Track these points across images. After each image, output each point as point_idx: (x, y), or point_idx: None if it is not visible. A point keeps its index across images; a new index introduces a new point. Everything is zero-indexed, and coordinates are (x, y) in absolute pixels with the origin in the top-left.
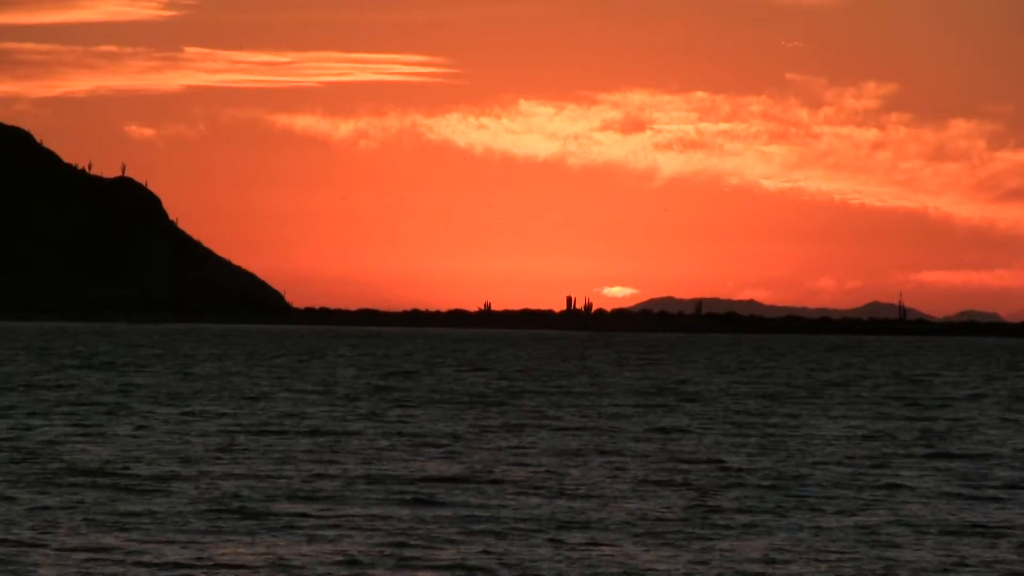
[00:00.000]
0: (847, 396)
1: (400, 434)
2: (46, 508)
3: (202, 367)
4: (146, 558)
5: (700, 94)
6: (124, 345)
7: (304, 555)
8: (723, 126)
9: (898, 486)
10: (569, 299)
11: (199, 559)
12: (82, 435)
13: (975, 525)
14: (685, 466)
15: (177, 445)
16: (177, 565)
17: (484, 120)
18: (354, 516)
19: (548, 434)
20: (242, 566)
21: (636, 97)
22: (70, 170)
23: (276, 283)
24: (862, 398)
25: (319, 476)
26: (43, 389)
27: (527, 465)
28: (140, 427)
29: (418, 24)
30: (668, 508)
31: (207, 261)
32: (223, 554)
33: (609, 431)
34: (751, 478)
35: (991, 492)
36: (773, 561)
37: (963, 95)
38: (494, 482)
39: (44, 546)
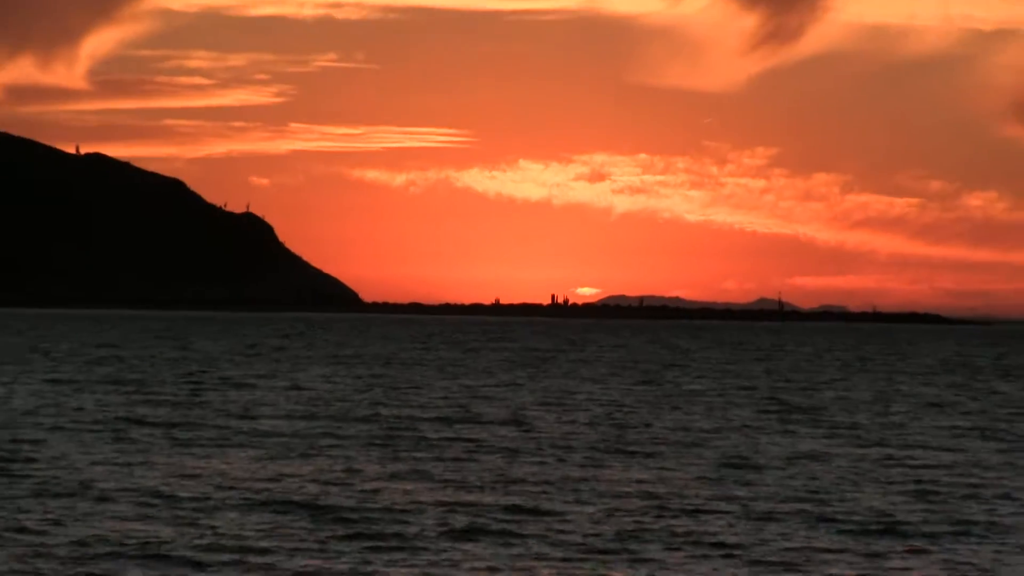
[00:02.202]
0: (729, 359)
1: None
2: None
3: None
4: None
5: (643, 156)
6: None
7: None
8: (659, 177)
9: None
10: (553, 296)
11: None
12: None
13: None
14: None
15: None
16: None
17: (494, 173)
18: None
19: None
20: None
21: (599, 158)
22: (211, 208)
23: (351, 284)
24: (741, 365)
25: None
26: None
27: None
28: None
29: (449, 106)
30: None
31: (305, 270)
32: None
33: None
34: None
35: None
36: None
37: (824, 156)
38: None
39: None
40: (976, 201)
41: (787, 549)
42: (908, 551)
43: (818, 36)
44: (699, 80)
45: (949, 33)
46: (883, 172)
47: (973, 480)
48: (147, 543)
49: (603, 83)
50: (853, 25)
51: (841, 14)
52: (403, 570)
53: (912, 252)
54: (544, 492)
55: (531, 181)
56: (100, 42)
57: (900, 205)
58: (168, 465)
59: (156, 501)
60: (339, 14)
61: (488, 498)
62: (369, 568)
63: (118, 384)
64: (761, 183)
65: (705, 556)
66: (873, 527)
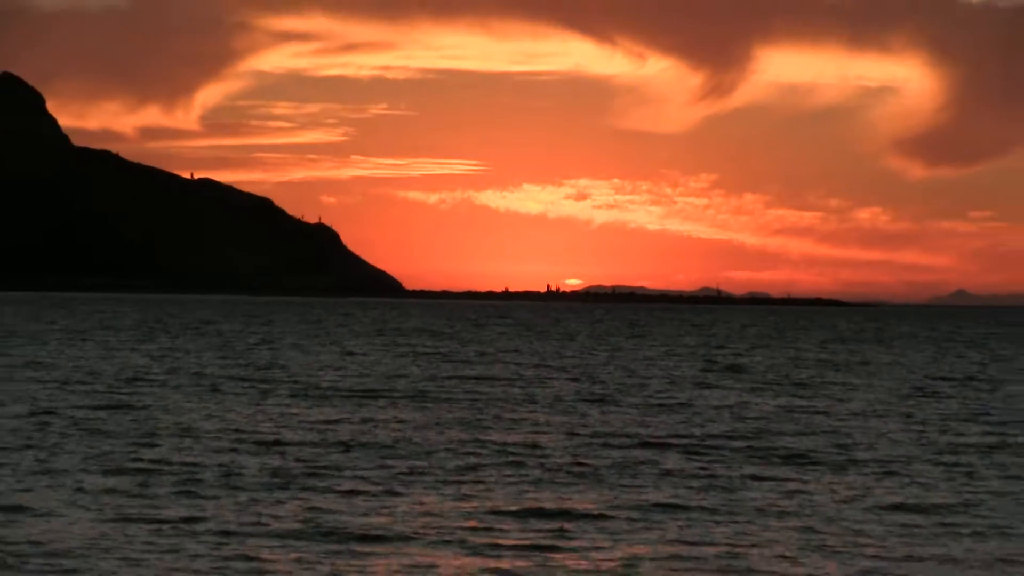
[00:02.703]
0: (677, 331)
1: None
2: None
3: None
4: None
5: (616, 180)
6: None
7: None
8: (628, 197)
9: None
10: (548, 285)
11: None
12: None
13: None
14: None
15: None
16: None
17: (504, 193)
18: None
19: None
20: None
21: (583, 182)
22: (292, 219)
23: (397, 275)
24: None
25: None
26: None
27: None
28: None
29: (471, 143)
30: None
31: (362, 265)
32: None
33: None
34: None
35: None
36: None
37: (751, 181)
38: None
39: None
40: (865, 215)
41: (718, 475)
42: (811, 476)
43: (747, 91)
44: (658, 124)
45: (845, 89)
46: (795, 193)
47: (863, 422)
48: (230, 473)
49: (586, 126)
50: (772, 83)
51: (764, 75)
52: (429, 491)
53: (818, 253)
54: (533, 430)
55: (532, 199)
56: (209, 95)
57: (808, 217)
58: (251, 411)
59: (242, 438)
60: (388, 75)
61: (492, 436)
62: (401, 487)
63: (217, 350)
64: (704, 201)
65: (654, 482)
66: (783, 458)
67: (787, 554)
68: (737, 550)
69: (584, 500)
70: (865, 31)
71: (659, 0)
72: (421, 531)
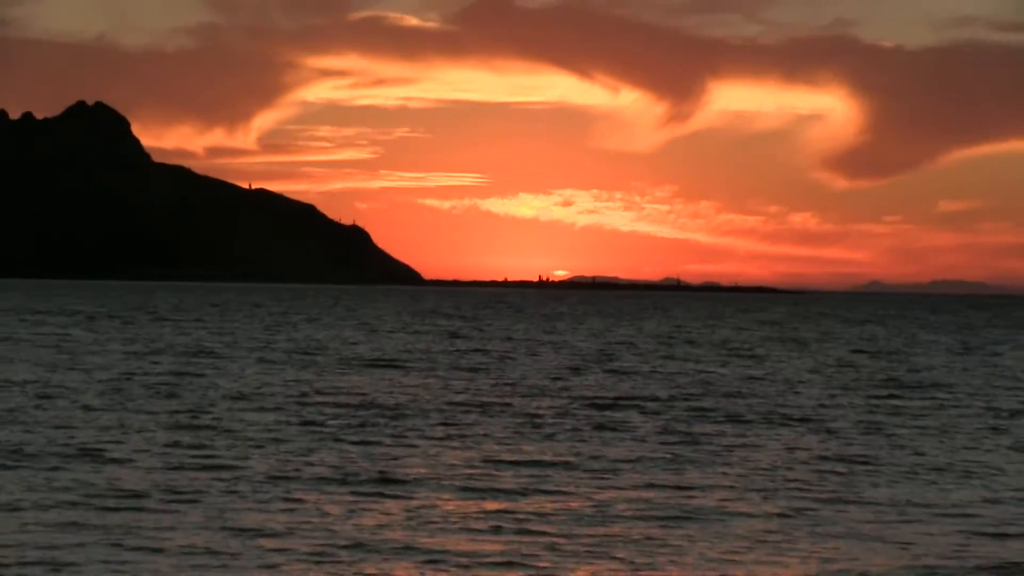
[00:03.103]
0: (639, 314)
1: None
2: None
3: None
4: None
5: (595, 190)
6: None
7: None
8: (605, 204)
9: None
10: (539, 276)
11: None
12: None
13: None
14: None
15: None
16: None
17: (503, 201)
18: None
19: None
20: None
21: (568, 191)
22: (332, 222)
23: (417, 267)
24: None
25: None
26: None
27: None
28: None
29: (477, 160)
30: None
31: (388, 260)
32: None
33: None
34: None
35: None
36: None
37: (705, 190)
38: None
39: None
40: (797, 219)
41: (674, 431)
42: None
43: (701, 118)
44: (629, 145)
45: (781, 116)
46: (741, 201)
47: (795, 387)
48: (272, 429)
49: (570, 146)
50: (722, 111)
51: (715, 105)
52: (436, 443)
53: (759, 250)
54: (525, 393)
55: (526, 206)
56: (264, 120)
57: (751, 221)
58: (292, 378)
59: (285, 399)
60: (410, 104)
61: (489, 398)
62: (413, 440)
63: (269, 329)
64: (667, 207)
65: (621, 437)
66: (729, 416)
67: (730, 497)
68: (690, 493)
69: (564, 452)
70: (797, 69)
71: (629, 42)
72: (428, 477)
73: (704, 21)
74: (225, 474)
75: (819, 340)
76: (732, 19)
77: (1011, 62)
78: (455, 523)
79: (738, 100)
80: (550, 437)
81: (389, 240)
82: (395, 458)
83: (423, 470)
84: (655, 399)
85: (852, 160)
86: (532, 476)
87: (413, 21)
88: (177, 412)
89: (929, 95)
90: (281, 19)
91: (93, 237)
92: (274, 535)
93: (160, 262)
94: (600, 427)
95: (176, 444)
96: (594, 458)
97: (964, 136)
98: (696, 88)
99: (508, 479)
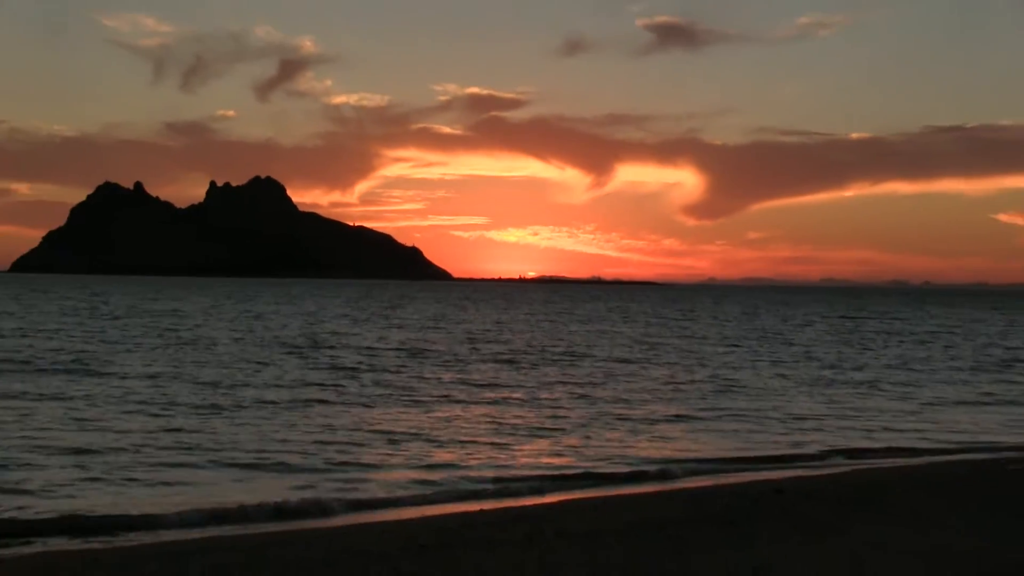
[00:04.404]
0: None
1: None
2: None
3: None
4: None
5: (552, 227)
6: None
7: None
8: (556, 234)
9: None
10: (519, 275)
11: None
12: None
13: None
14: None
15: None
16: None
17: (499, 232)
18: None
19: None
20: None
21: (537, 227)
22: (400, 244)
23: (449, 270)
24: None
25: None
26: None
27: None
28: None
29: (483, 208)
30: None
31: (432, 267)
32: None
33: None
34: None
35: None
36: None
37: (616, 226)
38: None
39: None
40: (667, 242)
41: (612, 399)
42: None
43: (612, 185)
44: (571, 200)
45: (657, 184)
46: (636, 232)
47: (696, 355)
48: (322, 392)
49: (537, 202)
50: (624, 181)
51: (620, 177)
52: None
53: (647, 260)
54: (502, 351)
55: (511, 235)
56: (362, 187)
57: (641, 244)
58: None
59: (342, 371)
60: (446, 177)
61: (480, 355)
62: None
63: (349, 316)
64: (592, 236)
65: (556, 368)
66: (636, 404)
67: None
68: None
69: (520, 381)
70: (666, 157)
71: (571, 141)
72: (435, 394)
73: (613, 130)
74: (304, 422)
75: (639, 312)
76: (629, 128)
77: (790, 153)
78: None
79: (633, 175)
80: (509, 370)
81: (433, 255)
82: (404, 412)
83: (434, 392)
84: (583, 354)
85: (697, 209)
86: (496, 397)
87: (447, 129)
88: (283, 375)
89: (741, 172)
90: (372, 128)
91: (265, 253)
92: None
93: (305, 268)
94: (541, 366)
95: (272, 402)
96: (540, 386)
97: (762, 195)
98: (608, 168)
99: (485, 403)
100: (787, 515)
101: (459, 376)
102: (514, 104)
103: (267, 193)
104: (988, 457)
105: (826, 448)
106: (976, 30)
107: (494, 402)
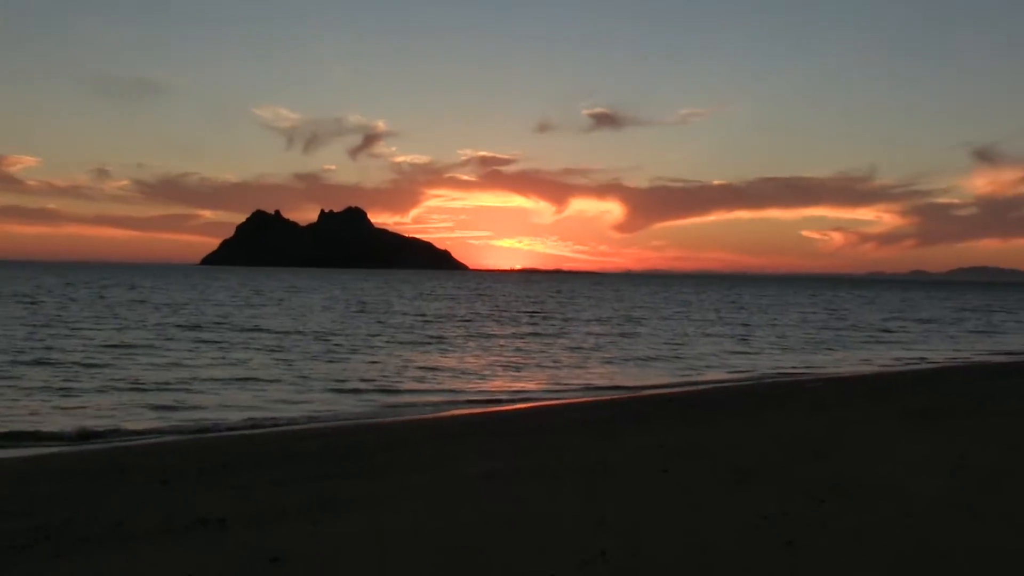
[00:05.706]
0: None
1: None
2: None
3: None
4: None
5: (531, 237)
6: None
7: None
8: (535, 242)
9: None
10: (511, 267)
11: None
12: None
13: None
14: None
15: None
16: None
17: (499, 241)
18: None
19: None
20: None
21: (522, 238)
22: (438, 249)
23: (465, 263)
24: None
25: None
26: None
27: None
28: None
29: (487, 225)
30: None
31: (456, 261)
32: None
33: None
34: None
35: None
36: None
37: (571, 238)
38: None
39: None
40: (602, 247)
41: (557, 326)
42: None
43: (568, 211)
44: (543, 221)
45: (596, 211)
46: (582, 241)
47: (630, 321)
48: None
49: (522, 222)
50: (575, 209)
51: (572, 207)
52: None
53: (590, 259)
54: (500, 323)
55: (506, 243)
56: (415, 212)
57: (586, 247)
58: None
59: (362, 339)
60: (466, 207)
61: (468, 350)
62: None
63: (367, 312)
64: (556, 244)
65: (528, 323)
66: (598, 384)
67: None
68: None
69: (503, 333)
70: (603, 194)
71: (542, 184)
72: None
73: (569, 177)
74: (332, 384)
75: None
76: (578, 177)
77: (676, 193)
78: None
79: (581, 206)
80: (497, 326)
81: (458, 255)
82: (413, 375)
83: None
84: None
85: (621, 226)
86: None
87: (466, 177)
88: (322, 353)
89: (647, 205)
90: (419, 176)
91: (353, 252)
92: None
93: (378, 263)
94: (514, 328)
95: (309, 377)
96: (517, 338)
97: (660, 218)
98: (565, 201)
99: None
100: (677, 413)
101: (473, 334)
102: (508, 162)
103: (356, 217)
104: (790, 380)
105: (683, 378)
106: (792, 122)
107: (502, 348)
